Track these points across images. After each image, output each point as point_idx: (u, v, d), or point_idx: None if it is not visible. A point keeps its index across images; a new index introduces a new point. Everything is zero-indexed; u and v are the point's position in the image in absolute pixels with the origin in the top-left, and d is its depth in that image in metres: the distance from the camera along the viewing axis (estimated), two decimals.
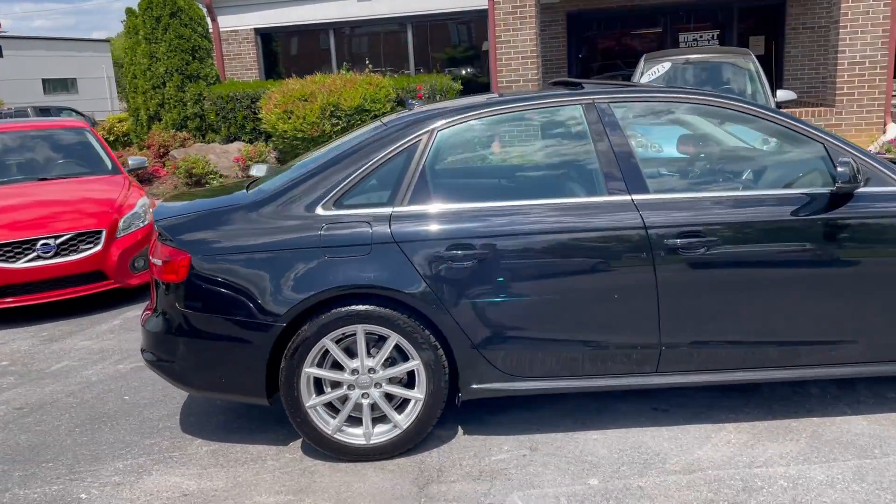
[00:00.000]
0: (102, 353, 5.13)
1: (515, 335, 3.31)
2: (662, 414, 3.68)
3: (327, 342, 3.32)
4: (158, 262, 3.45)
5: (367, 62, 12.71)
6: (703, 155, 3.59)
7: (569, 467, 3.25)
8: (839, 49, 9.41)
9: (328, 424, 3.40)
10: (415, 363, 3.34)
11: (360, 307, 3.28)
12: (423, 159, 3.40)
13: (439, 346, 3.33)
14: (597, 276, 3.27)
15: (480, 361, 3.34)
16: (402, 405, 3.45)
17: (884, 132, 9.39)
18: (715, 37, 12.84)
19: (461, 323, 3.29)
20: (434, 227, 3.30)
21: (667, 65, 8.10)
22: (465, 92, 12.76)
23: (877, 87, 9.37)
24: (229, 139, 13.27)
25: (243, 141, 13.14)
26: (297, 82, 12.13)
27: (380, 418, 3.45)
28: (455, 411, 3.72)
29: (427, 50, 14.42)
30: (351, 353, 3.37)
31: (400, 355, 3.39)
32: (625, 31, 13.68)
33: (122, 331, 5.63)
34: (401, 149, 3.42)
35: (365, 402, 3.39)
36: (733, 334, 3.32)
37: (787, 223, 3.26)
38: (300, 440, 3.65)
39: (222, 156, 12.66)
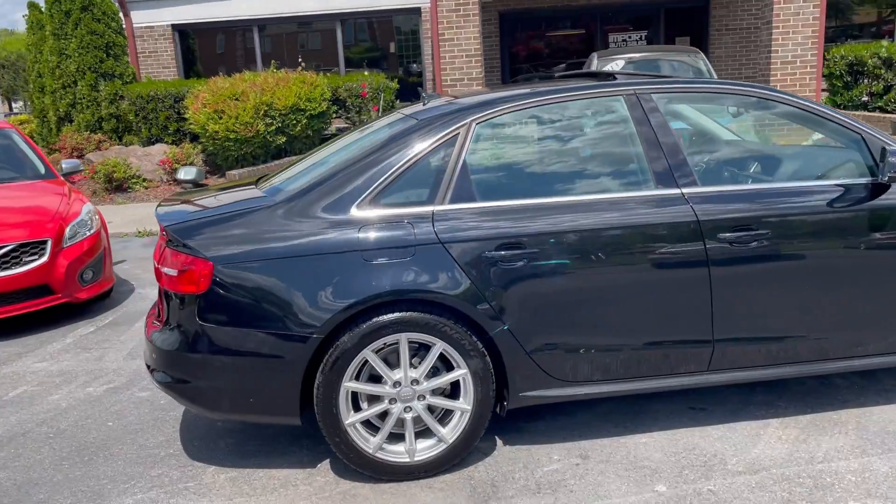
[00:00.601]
0: (64, 376, 4.63)
1: (568, 337, 3.15)
2: (701, 413, 3.59)
3: (368, 353, 3.05)
4: (172, 271, 3.09)
5: (299, 60, 12.28)
6: (744, 146, 3.54)
7: (629, 474, 3.11)
8: (772, 49, 9.74)
9: (368, 442, 3.14)
10: (461, 372, 3.12)
11: (405, 314, 3.03)
12: (463, 154, 3.18)
13: (486, 353, 3.12)
14: (651, 273, 3.15)
15: (531, 367, 3.15)
16: (442, 418, 3.22)
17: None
18: (643, 37, 13.11)
19: (512, 327, 3.09)
20: (480, 226, 3.09)
21: (621, 62, 8.15)
22: (400, 91, 12.54)
23: (807, 86, 9.76)
24: (150, 141, 12.55)
25: (166, 143, 12.44)
26: (227, 81, 11.58)
27: (421, 433, 3.21)
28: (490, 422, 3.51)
29: (358, 49, 14.10)
30: (389, 364, 3.12)
31: (442, 364, 3.16)
32: (555, 31, 13.79)
33: (78, 350, 5.12)
34: (438, 143, 3.20)
35: (408, 416, 3.15)
36: (784, 328, 3.26)
37: (835, 214, 3.23)
38: (327, 461, 3.36)
39: (144, 159, 11.95)
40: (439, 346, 3.08)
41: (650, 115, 3.28)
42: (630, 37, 13.06)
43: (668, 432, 3.43)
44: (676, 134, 3.27)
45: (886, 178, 3.22)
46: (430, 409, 3.19)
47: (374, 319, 3.01)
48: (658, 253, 3.14)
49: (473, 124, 3.23)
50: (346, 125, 12.45)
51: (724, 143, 3.85)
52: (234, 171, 10.99)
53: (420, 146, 3.19)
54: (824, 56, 10.59)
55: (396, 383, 3.11)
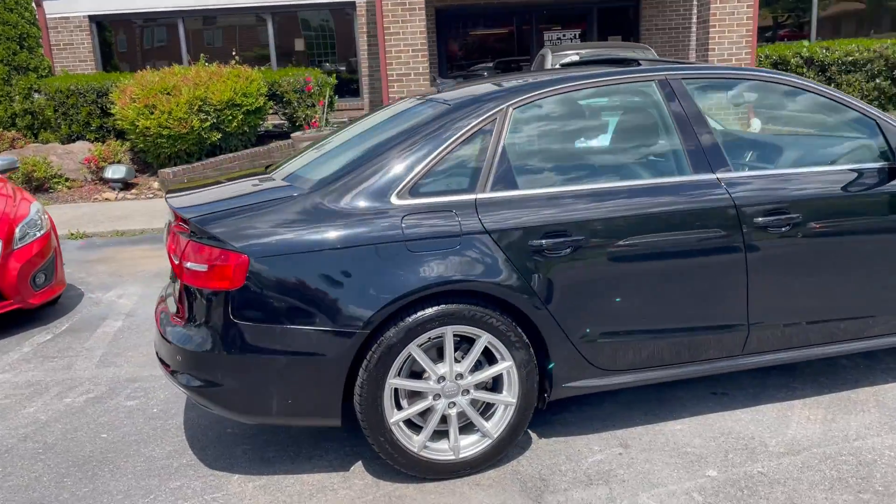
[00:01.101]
0: (34, 387, 4.26)
1: (612, 325, 3.11)
2: (725, 398, 3.63)
3: (413, 348, 2.92)
4: (200, 267, 2.87)
5: (234, 54, 11.84)
6: (771, 131, 3.60)
7: (675, 461, 3.10)
8: (708, 47, 10.06)
9: (412, 441, 3.01)
10: (506, 364, 3.03)
11: (451, 306, 2.92)
12: (501, 140, 3.09)
13: (530, 344, 3.05)
14: (692, 258, 3.14)
15: (576, 357, 3.09)
16: (483, 412, 3.12)
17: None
18: (576, 36, 13.33)
19: (557, 316, 3.03)
20: (525, 214, 3.01)
21: (575, 58, 8.22)
22: (338, 87, 12.28)
23: None
24: (71, 138, 11.82)
25: (89, 140, 11.76)
26: (156, 74, 11.05)
27: (462, 429, 3.10)
28: None
29: (290, 43, 13.74)
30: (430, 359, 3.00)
31: (482, 357, 3.06)
32: (491, 28, 13.84)
33: (41, 359, 4.73)
34: (476, 129, 3.09)
35: (452, 412, 3.03)
36: (813, 310, 3.33)
37: (859, 197, 3.32)
38: (359, 462, 3.21)
39: (66, 157, 11.25)
40: (485, 339, 2.98)
41: (682, 100, 3.28)
42: (564, 34, 13.26)
43: (698, 418, 3.44)
44: (708, 118, 3.28)
45: None
46: (473, 403, 3.08)
47: (420, 313, 2.89)
48: (698, 238, 3.14)
49: (510, 109, 3.14)
50: (282, 121, 12.11)
51: (739, 131, 3.91)
52: (167, 170, 10.50)
53: (458, 132, 3.08)
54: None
55: (440, 378, 2.99)
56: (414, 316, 2.88)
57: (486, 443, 3.07)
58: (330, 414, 2.94)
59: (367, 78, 13.31)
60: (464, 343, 3.02)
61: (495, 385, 3.11)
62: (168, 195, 3.39)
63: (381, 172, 3.00)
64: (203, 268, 2.86)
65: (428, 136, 3.08)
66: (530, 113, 3.20)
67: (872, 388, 3.64)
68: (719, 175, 3.22)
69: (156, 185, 10.92)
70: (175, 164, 10.85)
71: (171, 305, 3.20)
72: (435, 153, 3.03)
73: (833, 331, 3.38)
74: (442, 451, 3.05)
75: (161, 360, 3.15)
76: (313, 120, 10.09)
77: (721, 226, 3.15)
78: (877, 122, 3.47)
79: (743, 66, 10.12)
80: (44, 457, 3.43)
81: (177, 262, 3.01)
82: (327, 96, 10.88)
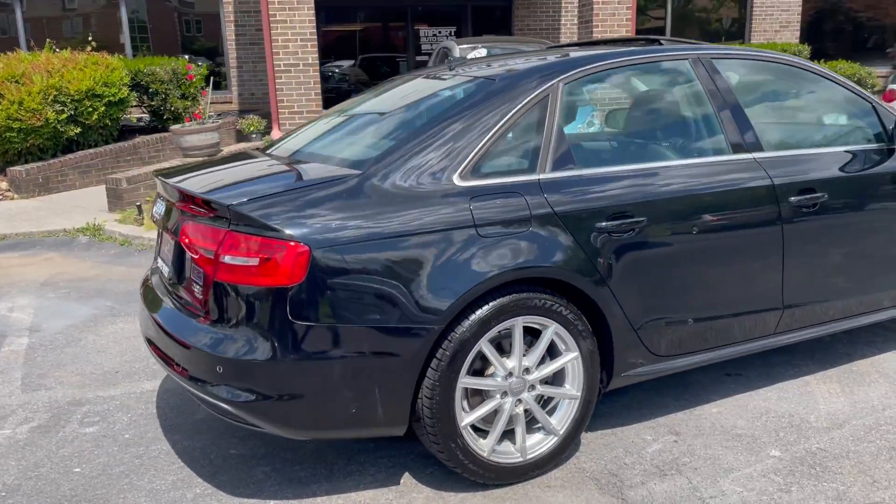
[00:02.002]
0: None
1: (668, 309, 3.01)
2: (741, 378, 3.65)
3: (484, 343, 2.67)
4: (248, 261, 2.45)
5: (90, 40, 10.68)
6: (790, 112, 3.65)
7: (733, 444, 3.05)
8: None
9: (480, 445, 2.75)
10: (572, 355, 2.84)
11: (522, 295, 2.69)
12: (556, 117, 2.90)
13: (593, 333, 2.89)
14: (739, 239, 3.12)
15: (635, 344, 2.97)
16: (543, 408, 2.92)
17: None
18: (451, 33, 13.32)
19: (622, 302, 2.89)
20: (590, 195, 2.84)
21: (483, 51, 8.16)
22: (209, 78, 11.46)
23: None
24: None
25: None
26: (0, 60, 9.76)
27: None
28: None
29: (146, 31, 12.65)
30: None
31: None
32: (368, 23, 13.52)
33: None
34: (530, 105, 2.88)
35: (519, 409, 2.81)
36: (835, 288, 3.41)
37: (872, 176, 3.45)
38: (405, 474, 2.90)
39: None
40: (552, 329, 2.78)
41: (715, 79, 3.25)
42: (440, 31, 13.21)
43: (728, 399, 3.44)
44: (739, 99, 3.27)
45: None
46: (537, 400, 2.88)
47: (492, 303, 2.64)
48: (744, 219, 3.12)
49: (561, 84, 2.96)
50: (144, 114, 11.14)
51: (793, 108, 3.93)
52: (18, 168, 9.31)
53: (512, 109, 2.85)
54: None
55: (508, 374, 2.76)
56: (486, 307, 2.63)
57: (552, 441, 2.87)
58: (397, 422, 2.62)
59: (236, 70, 12.55)
60: (525, 335, 2.80)
61: (554, 379, 2.91)
62: (166, 177, 2.90)
63: (440, 152, 2.71)
64: (251, 262, 2.44)
65: (481, 113, 2.82)
66: (579, 89, 3.04)
67: (867, 361, 3.81)
68: (755, 155, 3.22)
69: (4, 185, 9.63)
70: (27, 161, 9.64)
71: (176, 300, 2.73)
72: (493, 131, 2.79)
73: (851, 306, 3.50)
74: (508, 453, 2.81)
75: (168, 361, 2.68)
76: (195, 112, 9.33)
77: (763, 206, 3.15)
78: (873, 107, 3.63)
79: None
80: (11, 501, 2.81)
81: (210, 256, 2.55)
82: (210, 86, 10.10)
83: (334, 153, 2.97)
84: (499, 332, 2.70)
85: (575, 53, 3.18)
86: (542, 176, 2.82)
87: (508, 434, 2.85)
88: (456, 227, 2.60)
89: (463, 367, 2.63)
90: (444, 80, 3.27)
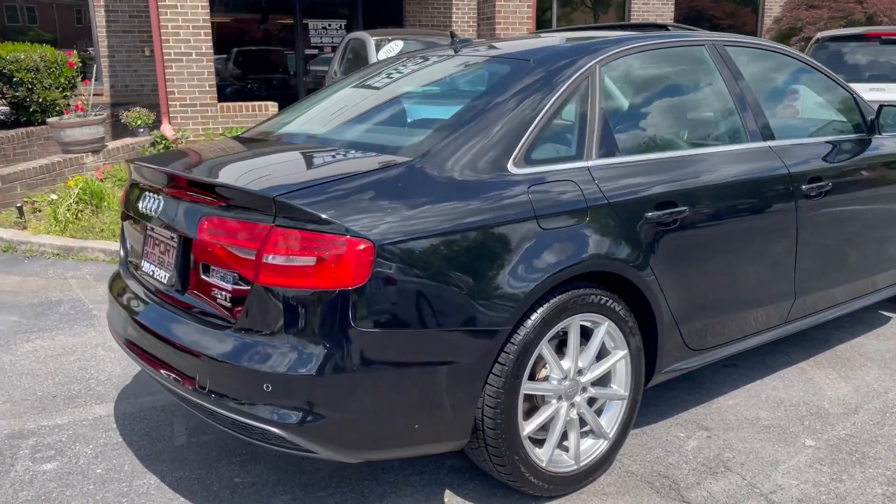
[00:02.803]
0: None
1: (707, 302, 2.93)
2: (741, 370, 3.65)
3: (544, 345, 2.46)
4: (301, 260, 2.10)
5: None
6: (788, 102, 3.65)
7: (766, 436, 3.01)
8: None
9: (539, 455, 2.54)
10: (621, 354, 2.69)
11: (581, 291, 2.51)
12: (598, 101, 2.74)
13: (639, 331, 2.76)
14: (764, 229, 3.08)
15: (676, 339, 2.86)
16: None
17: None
18: (342, 26, 12.90)
19: (667, 296, 2.77)
20: (638, 183, 2.70)
21: (400, 43, 7.89)
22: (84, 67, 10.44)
23: None
24: None
25: None
26: None
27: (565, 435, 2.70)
28: None
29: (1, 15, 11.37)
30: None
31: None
32: (256, 15, 12.83)
33: None
34: (573, 87, 2.69)
35: (573, 414, 2.62)
36: (835, 274, 3.46)
37: (868, 163, 3.54)
38: (446, 492, 2.64)
39: None
40: (605, 327, 2.62)
41: (730, 66, 3.21)
42: (330, 24, 12.76)
43: (739, 391, 3.41)
44: (751, 87, 3.25)
45: (887, 132, 3.64)
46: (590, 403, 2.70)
47: (552, 301, 2.44)
48: (768, 208, 3.09)
49: (598, 67, 2.79)
50: (3, 106, 9.98)
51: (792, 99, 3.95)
52: None
53: (555, 92, 2.65)
54: None
55: (563, 377, 2.56)
56: (547, 305, 2.42)
57: (602, 445, 2.71)
58: (460, 435, 2.36)
59: (108, 59, 11.53)
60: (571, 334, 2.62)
61: (600, 380, 2.75)
62: (161, 164, 2.49)
63: (491, 137, 2.47)
64: (307, 262, 2.10)
65: (525, 95, 2.61)
66: (617, 71, 2.89)
67: (846, 345, 3.93)
68: (769, 144, 3.20)
69: None
70: None
71: (176, 307, 2.34)
72: (540, 115, 2.58)
73: (849, 290, 3.57)
74: (562, 461, 2.62)
75: (173, 373, 2.30)
76: (77, 103, 8.41)
77: (783, 195, 3.14)
78: (854, 98, 3.73)
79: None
80: None
81: (247, 256, 2.18)
82: (94, 76, 9.18)
83: (360, 139, 2.66)
84: (557, 332, 2.50)
85: (604, 35, 3.03)
86: (590, 163, 2.64)
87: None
88: (519, 219, 2.38)
89: (525, 371, 2.41)
90: (463, 60, 3.03)
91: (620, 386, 2.73)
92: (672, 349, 2.86)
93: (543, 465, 2.53)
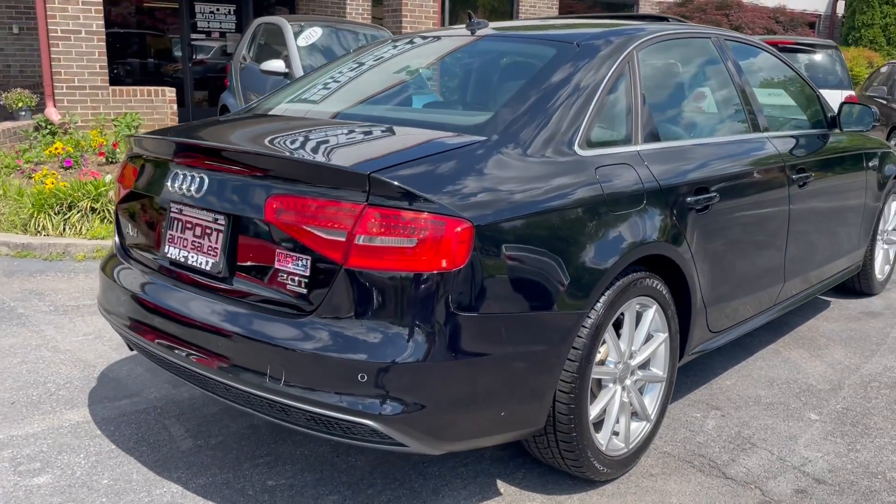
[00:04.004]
0: None
1: (726, 284, 3.02)
2: (723, 351, 3.79)
3: (609, 327, 2.46)
4: (404, 242, 1.97)
5: None
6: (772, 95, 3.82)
7: (774, 412, 3.15)
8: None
9: (599, 440, 2.52)
10: (663, 336, 2.73)
11: (639, 274, 2.52)
12: (638, 86, 2.75)
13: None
14: (770, 214, 3.23)
15: (703, 321, 2.94)
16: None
17: None
18: (231, 11, 12.30)
19: (701, 279, 2.84)
20: (681, 168, 2.75)
21: (319, 30, 7.62)
22: None
23: None
24: None
25: None
26: None
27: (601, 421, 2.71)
28: None
29: None
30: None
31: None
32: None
33: None
34: (618, 71, 2.68)
35: (625, 397, 2.63)
36: (812, 259, 3.68)
37: (832, 156, 3.78)
38: (497, 482, 2.57)
39: None
40: (653, 310, 2.65)
41: (733, 60, 3.33)
42: (218, 9, 12.12)
43: (729, 372, 3.55)
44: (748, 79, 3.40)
45: (847, 128, 3.92)
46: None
47: (617, 285, 2.43)
48: (774, 195, 3.24)
49: (636, 52, 2.81)
50: None
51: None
52: None
53: (605, 74, 2.63)
54: None
55: (618, 361, 2.57)
56: (613, 288, 2.42)
57: (646, 427, 2.73)
58: (537, 421, 2.30)
59: None
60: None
61: (643, 363, 2.78)
62: (200, 139, 2.27)
63: (558, 119, 2.43)
64: (406, 243, 1.97)
65: (580, 78, 2.57)
66: (651, 58, 2.91)
67: (804, 327, 4.19)
68: (766, 135, 3.36)
69: None
70: None
71: (217, 294, 2.15)
72: (595, 98, 2.56)
73: (818, 275, 3.81)
74: (615, 445, 2.61)
75: (235, 368, 2.11)
76: None
77: (782, 182, 3.30)
78: (817, 96, 3.99)
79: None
80: None
81: (336, 237, 2.01)
82: None
83: (415, 118, 2.54)
84: (618, 315, 2.50)
85: (633, 23, 3.06)
86: (639, 147, 2.66)
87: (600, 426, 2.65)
88: (594, 201, 2.36)
89: (595, 355, 2.39)
90: (492, 41, 2.95)
91: (660, 368, 2.77)
92: (699, 331, 2.94)
93: (604, 448, 2.52)
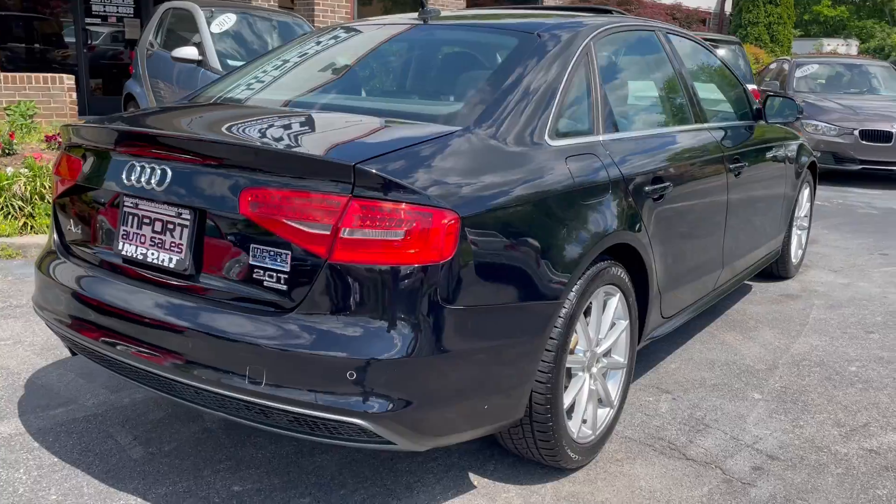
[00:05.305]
0: None
1: (676, 273, 3.11)
2: (664, 337, 3.91)
3: (580, 317, 2.48)
4: (390, 235, 1.91)
5: None
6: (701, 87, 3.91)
7: (719, 394, 3.27)
8: (315, 25, 10.04)
9: (571, 429, 2.54)
10: (625, 324, 2.78)
11: (605, 263, 2.56)
12: (597, 76, 2.78)
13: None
14: (711, 203, 3.34)
15: (657, 308, 3.01)
16: None
17: None
18: None
19: (657, 268, 2.91)
20: (639, 159, 2.81)
21: (233, 16, 7.34)
22: None
23: None
24: None
25: None
26: None
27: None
28: None
29: None
30: None
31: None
32: None
33: None
34: (579, 62, 2.69)
35: (592, 384, 2.66)
36: (743, 246, 3.84)
37: (761, 146, 3.96)
38: (469, 475, 2.56)
39: None
40: (617, 298, 2.70)
41: (676, 52, 3.42)
42: None
43: (672, 356, 3.66)
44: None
45: (772, 120, 4.11)
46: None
47: (587, 274, 2.46)
48: (716, 184, 3.36)
49: (593, 44, 2.84)
50: None
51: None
52: None
53: (567, 64, 2.64)
54: None
55: (586, 350, 2.60)
56: (583, 278, 2.44)
57: (610, 413, 2.78)
58: (517, 412, 2.30)
59: None
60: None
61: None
62: (171, 130, 2.13)
63: (527, 110, 2.42)
64: (393, 236, 1.92)
65: (545, 68, 2.57)
66: (606, 49, 2.95)
67: (732, 310, 4.38)
68: (706, 125, 3.47)
69: None
70: None
71: (180, 292, 2.05)
72: (560, 88, 2.57)
73: (751, 260, 3.98)
74: (584, 433, 2.64)
75: (206, 369, 2.01)
76: None
77: (721, 172, 3.42)
78: (743, 89, 4.16)
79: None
80: None
81: (320, 231, 1.93)
82: None
83: (380, 107, 2.47)
84: (587, 304, 2.53)
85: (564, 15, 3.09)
86: (601, 138, 2.70)
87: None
88: (567, 191, 2.37)
89: (569, 344, 2.41)
90: (449, 30, 2.92)
91: (621, 355, 2.81)
92: (654, 318, 3.01)
93: (575, 436, 2.54)
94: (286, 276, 1.99)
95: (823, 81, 11.36)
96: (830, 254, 5.86)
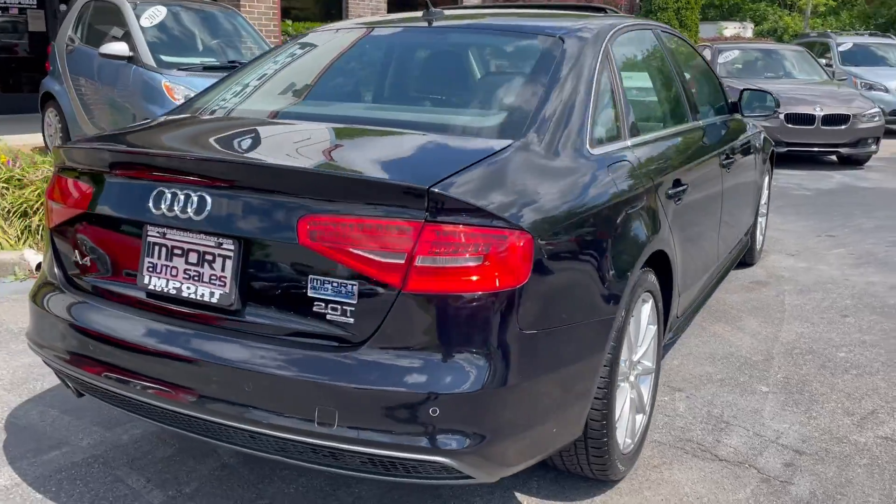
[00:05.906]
0: None
1: (689, 276, 3.11)
2: None
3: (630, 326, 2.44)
4: (467, 261, 1.80)
5: None
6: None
7: (730, 389, 3.30)
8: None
9: (618, 439, 2.50)
10: (654, 329, 2.76)
11: (644, 271, 2.52)
12: (617, 79, 2.74)
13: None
14: (713, 201, 3.36)
15: (675, 310, 3.01)
16: None
17: None
18: None
19: (679, 271, 2.90)
20: (662, 161, 2.78)
21: (163, 9, 6.91)
22: None
23: None
24: None
25: None
26: None
27: None
28: None
29: None
30: None
31: None
32: None
33: None
34: (602, 66, 2.63)
35: (632, 393, 2.63)
36: (730, 236, 3.90)
37: (745, 139, 4.02)
38: (516, 494, 2.49)
39: None
40: (650, 305, 2.67)
41: (672, 51, 3.42)
42: None
43: (673, 352, 3.67)
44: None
45: (748, 114, 4.18)
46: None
47: (632, 283, 2.42)
48: (716, 182, 3.38)
49: (610, 46, 2.78)
50: None
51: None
52: None
53: (595, 70, 2.58)
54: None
55: (626, 359, 2.56)
56: (633, 285, 2.40)
57: (643, 419, 2.75)
58: (578, 431, 2.23)
59: None
60: None
61: None
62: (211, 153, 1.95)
63: (569, 119, 2.34)
64: (469, 262, 1.81)
65: (577, 75, 2.49)
66: (619, 51, 2.89)
67: (712, 302, 4.41)
68: (700, 122, 3.49)
69: None
70: None
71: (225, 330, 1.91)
72: (592, 95, 2.50)
73: (734, 250, 4.05)
74: (626, 443, 2.61)
75: (265, 413, 1.87)
76: None
77: (717, 167, 3.45)
78: (719, 83, 4.21)
79: None
80: None
81: (392, 260, 1.80)
82: None
83: (417, 119, 2.34)
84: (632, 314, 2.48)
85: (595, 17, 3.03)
86: (629, 142, 2.65)
87: None
88: (616, 201, 2.32)
89: (620, 357, 2.36)
90: (463, 33, 2.80)
91: (650, 360, 2.79)
92: (671, 319, 3.01)
93: (621, 447, 2.50)
94: (353, 309, 1.85)
95: (741, 66, 11.76)
96: (781, 237, 6.06)
